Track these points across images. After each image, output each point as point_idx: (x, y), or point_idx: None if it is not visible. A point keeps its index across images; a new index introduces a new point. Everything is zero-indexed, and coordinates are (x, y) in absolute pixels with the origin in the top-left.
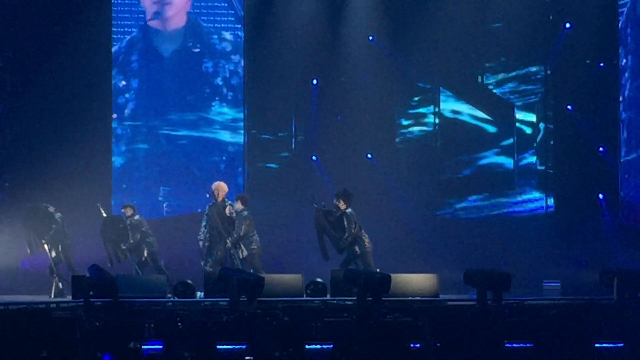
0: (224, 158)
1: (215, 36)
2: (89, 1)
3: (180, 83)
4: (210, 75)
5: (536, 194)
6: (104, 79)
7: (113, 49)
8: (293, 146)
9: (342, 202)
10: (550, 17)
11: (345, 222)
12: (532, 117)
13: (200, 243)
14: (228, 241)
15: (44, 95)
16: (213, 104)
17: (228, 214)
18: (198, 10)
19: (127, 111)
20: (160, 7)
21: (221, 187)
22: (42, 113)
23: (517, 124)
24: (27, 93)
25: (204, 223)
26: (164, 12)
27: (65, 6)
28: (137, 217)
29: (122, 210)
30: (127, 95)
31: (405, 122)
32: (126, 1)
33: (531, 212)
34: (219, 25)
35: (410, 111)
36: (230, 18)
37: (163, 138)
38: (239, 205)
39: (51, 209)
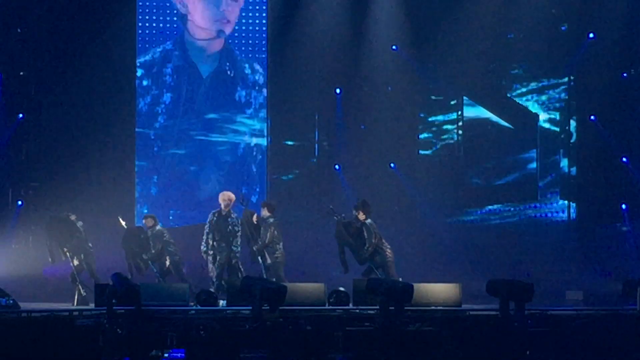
0: (247, 166)
1: (247, 64)
2: (113, 12)
3: (213, 105)
4: (243, 105)
5: (559, 204)
6: (128, 90)
7: (145, 58)
8: (316, 155)
9: (361, 213)
10: (573, 28)
11: (365, 233)
12: (556, 127)
13: (204, 255)
14: (254, 249)
15: (67, 105)
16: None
17: (255, 222)
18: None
19: (157, 124)
20: (223, 25)
21: (229, 197)
22: (65, 123)
23: (541, 134)
24: (50, 103)
25: (207, 231)
26: (225, 30)
27: (90, 16)
28: (158, 227)
29: (143, 221)
30: (157, 109)
31: (428, 131)
32: (153, 11)
33: (554, 222)
34: (251, 55)
35: (433, 120)
36: (263, 48)
37: (191, 145)
38: (265, 212)
39: (73, 217)
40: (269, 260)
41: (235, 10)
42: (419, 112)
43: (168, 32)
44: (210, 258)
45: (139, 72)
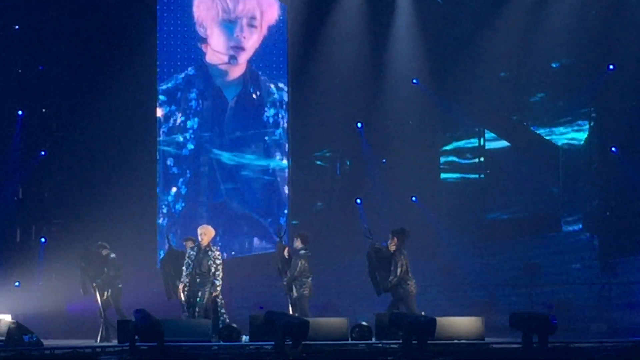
0: (268, 198)
1: (272, 85)
2: (133, 46)
3: (241, 129)
4: (271, 125)
5: (582, 235)
6: (150, 121)
7: (167, 85)
8: (338, 189)
9: (395, 241)
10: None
11: (393, 265)
12: (578, 158)
13: (182, 294)
14: (283, 282)
15: (89, 141)
16: (268, 149)
17: (286, 255)
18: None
19: (184, 151)
20: (237, 52)
21: (208, 231)
22: (87, 158)
23: (562, 165)
24: (71, 139)
25: (185, 268)
26: (238, 57)
27: (110, 50)
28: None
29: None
30: (186, 135)
31: (449, 164)
32: (171, 36)
33: (577, 253)
34: (275, 75)
35: (455, 153)
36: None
37: (217, 177)
38: (298, 244)
39: (105, 252)
40: (295, 294)
41: (252, 37)
42: (440, 145)
43: (188, 58)
44: (186, 293)
45: (163, 98)
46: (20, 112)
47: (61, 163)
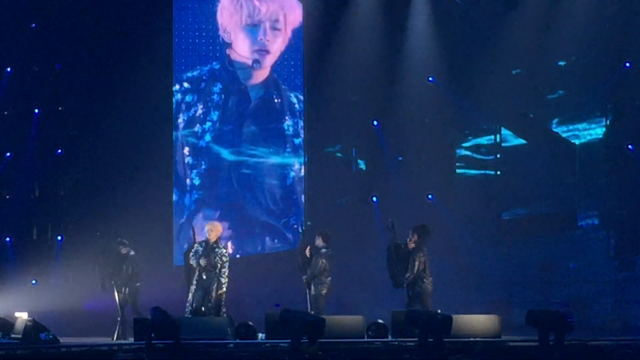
0: (283, 196)
1: (293, 95)
2: (150, 40)
3: (259, 125)
4: (291, 136)
5: (598, 233)
6: (165, 120)
7: (193, 74)
8: (354, 187)
9: (415, 237)
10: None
11: (410, 262)
12: (594, 156)
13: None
14: (303, 279)
15: (105, 139)
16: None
17: (308, 254)
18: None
19: (202, 142)
20: (261, 56)
21: (215, 227)
22: (103, 156)
23: (579, 163)
24: (88, 137)
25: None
26: (262, 61)
27: (126, 48)
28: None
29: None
30: (204, 126)
31: (465, 162)
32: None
33: (593, 251)
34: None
35: (471, 150)
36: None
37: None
38: (319, 242)
39: (124, 250)
40: (313, 292)
41: (277, 40)
42: (456, 143)
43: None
44: (192, 288)
45: (187, 86)
46: (36, 111)
47: (77, 161)
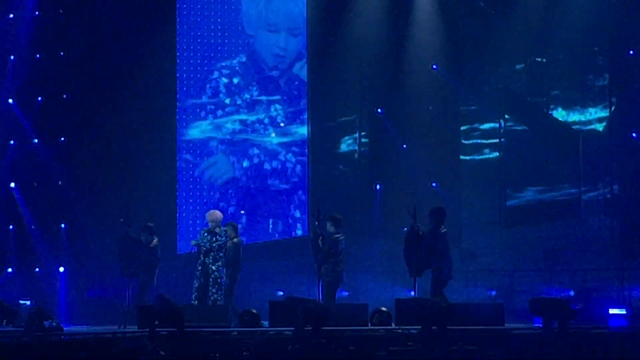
0: (286, 184)
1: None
2: (154, 33)
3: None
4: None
5: (602, 221)
6: (169, 108)
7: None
8: (357, 173)
9: (433, 221)
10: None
11: (440, 244)
12: (598, 144)
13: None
14: (315, 265)
15: (109, 128)
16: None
17: (320, 244)
18: None
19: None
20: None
21: (214, 216)
22: (107, 145)
23: (582, 151)
24: (92, 124)
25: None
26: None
27: (131, 38)
28: (236, 239)
29: (224, 227)
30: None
31: (469, 149)
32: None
33: (597, 239)
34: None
35: (474, 138)
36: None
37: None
38: (331, 227)
39: (146, 238)
40: (324, 279)
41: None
42: (460, 131)
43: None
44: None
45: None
46: (40, 99)
47: (81, 149)
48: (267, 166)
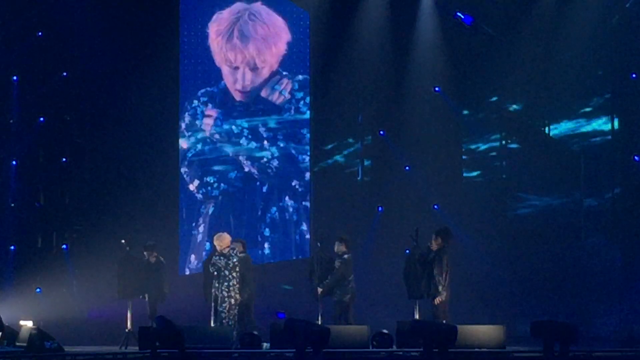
0: (290, 204)
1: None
2: (156, 51)
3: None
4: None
5: (604, 243)
6: (171, 126)
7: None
8: (360, 195)
9: (439, 241)
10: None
11: (437, 264)
12: (599, 166)
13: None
14: (319, 290)
15: (110, 148)
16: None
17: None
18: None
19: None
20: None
21: (221, 239)
22: (108, 165)
23: (584, 172)
24: (93, 144)
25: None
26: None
27: (132, 60)
28: (243, 255)
29: (233, 244)
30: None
31: (471, 171)
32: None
33: (599, 261)
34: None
35: (477, 160)
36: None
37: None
38: (342, 248)
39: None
40: (335, 298)
41: (260, 75)
42: (463, 153)
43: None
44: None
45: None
46: (41, 119)
47: (82, 170)
48: (268, 187)
